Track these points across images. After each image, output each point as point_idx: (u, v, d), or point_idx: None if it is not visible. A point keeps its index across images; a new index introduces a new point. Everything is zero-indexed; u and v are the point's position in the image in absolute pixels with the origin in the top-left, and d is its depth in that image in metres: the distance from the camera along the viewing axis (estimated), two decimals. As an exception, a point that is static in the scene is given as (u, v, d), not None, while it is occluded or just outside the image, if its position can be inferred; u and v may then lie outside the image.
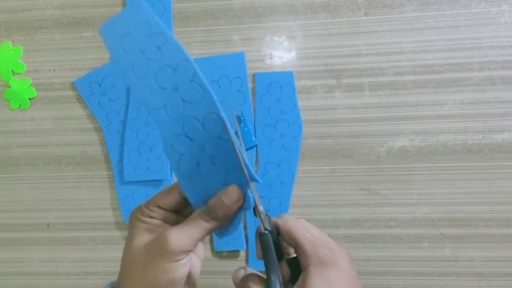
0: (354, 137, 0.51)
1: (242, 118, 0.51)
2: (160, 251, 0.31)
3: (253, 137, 0.51)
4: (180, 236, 0.31)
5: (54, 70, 0.55)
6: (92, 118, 0.54)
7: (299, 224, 0.33)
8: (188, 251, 0.31)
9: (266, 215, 0.33)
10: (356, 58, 0.51)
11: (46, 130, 0.54)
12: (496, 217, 0.49)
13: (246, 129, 0.51)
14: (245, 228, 0.51)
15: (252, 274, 0.33)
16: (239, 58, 0.52)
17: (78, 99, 0.54)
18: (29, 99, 0.55)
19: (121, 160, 0.53)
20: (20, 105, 0.54)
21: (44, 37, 0.55)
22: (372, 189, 0.50)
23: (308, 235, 0.32)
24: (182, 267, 0.31)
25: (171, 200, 0.34)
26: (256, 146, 0.51)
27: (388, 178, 0.50)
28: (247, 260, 0.51)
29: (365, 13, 0.51)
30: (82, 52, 0.54)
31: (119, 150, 0.53)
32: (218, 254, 0.52)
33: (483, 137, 0.49)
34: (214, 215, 0.32)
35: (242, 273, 0.34)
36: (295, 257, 0.33)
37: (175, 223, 0.34)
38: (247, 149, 0.51)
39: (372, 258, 0.50)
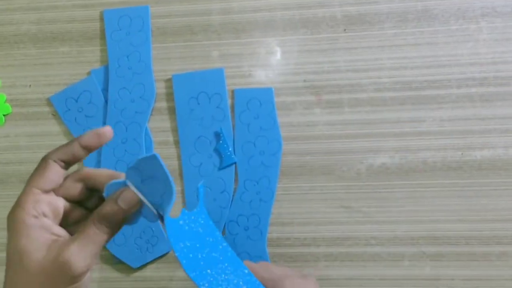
0: (334, 154, 0.50)
1: (221, 134, 0.51)
2: (63, 275, 0.28)
3: (232, 154, 0.51)
4: (82, 255, 0.28)
5: (30, 85, 0.54)
6: (68, 134, 0.53)
7: (257, 266, 0.33)
8: (90, 269, 0.29)
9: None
10: (336, 74, 0.51)
11: (20, 147, 0.53)
12: (476, 235, 0.48)
13: (225, 146, 0.51)
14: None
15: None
16: (218, 74, 0.52)
17: (54, 115, 0.53)
18: (4, 115, 0.53)
19: (97, 178, 0.52)
20: (-6, 122, 0.53)
21: (20, 52, 0.54)
22: (352, 207, 0.49)
23: (266, 275, 0.32)
24: (84, 285, 0.29)
25: (74, 191, 0.32)
26: (235, 163, 0.51)
27: (368, 196, 0.49)
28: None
29: (344, 30, 0.51)
30: (59, 67, 0.53)
31: (96, 167, 0.52)
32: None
33: (462, 154, 0.49)
34: (110, 223, 0.30)
35: None
36: None
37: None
38: (226, 166, 0.51)
39: (352, 277, 0.49)
